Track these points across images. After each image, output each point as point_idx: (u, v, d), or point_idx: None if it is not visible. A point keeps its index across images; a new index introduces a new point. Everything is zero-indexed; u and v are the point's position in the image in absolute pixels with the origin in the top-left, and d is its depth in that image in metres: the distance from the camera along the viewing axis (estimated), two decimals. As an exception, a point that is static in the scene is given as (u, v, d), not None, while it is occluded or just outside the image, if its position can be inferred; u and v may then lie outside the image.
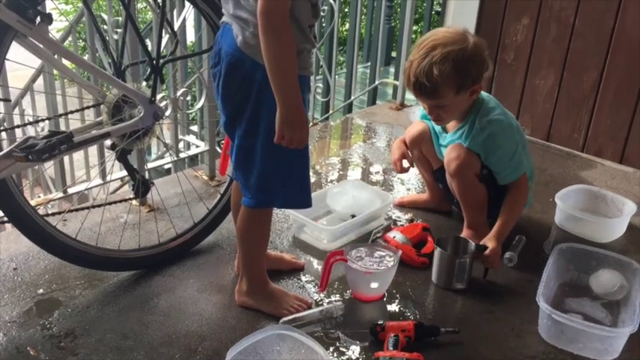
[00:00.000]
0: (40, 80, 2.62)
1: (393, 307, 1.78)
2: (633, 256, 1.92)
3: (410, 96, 3.65)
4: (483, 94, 2.00)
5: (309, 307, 1.73)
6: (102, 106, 1.78)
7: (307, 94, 1.54)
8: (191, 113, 3.01)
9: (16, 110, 2.98)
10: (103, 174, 2.34)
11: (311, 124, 3.51)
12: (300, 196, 1.62)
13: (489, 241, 1.89)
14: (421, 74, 1.81)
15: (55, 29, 3.31)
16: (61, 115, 2.27)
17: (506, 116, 1.99)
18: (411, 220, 2.21)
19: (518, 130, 2.04)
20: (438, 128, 2.09)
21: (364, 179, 2.55)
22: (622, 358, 1.62)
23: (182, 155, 2.78)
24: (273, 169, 1.56)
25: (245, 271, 1.73)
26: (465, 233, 2.03)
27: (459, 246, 1.92)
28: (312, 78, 3.62)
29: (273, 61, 1.37)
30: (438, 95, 1.85)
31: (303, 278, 1.88)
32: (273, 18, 1.35)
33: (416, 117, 2.22)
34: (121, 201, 2.18)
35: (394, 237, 2.00)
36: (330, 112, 3.66)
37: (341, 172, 2.63)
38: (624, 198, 2.26)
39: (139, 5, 4.74)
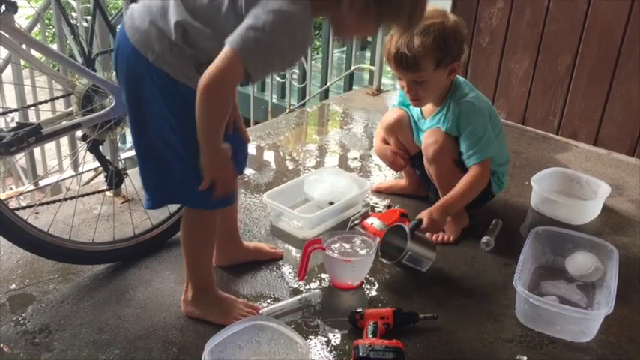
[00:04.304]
0: (9, 70, 2.56)
1: (372, 294, 1.79)
2: (607, 238, 1.95)
3: (386, 81, 3.65)
4: (460, 78, 2.00)
5: (258, 312, 1.63)
6: (72, 96, 1.74)
7: None
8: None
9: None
10: (75, 165, 2.30)
11: (287, 110, 3.49)
12: (199, 195, 1.45)
13: (426, 213, 1.87)
14: (402, 45, 1.82)
15: (25, 16, 3.22)
16: (30, 106, 2.22)
17: (479, 100, 1.99)
18: (388, 207, 2.21)
19: (492, 115, 2.03)
20: (416, 114, 2.09)
21: (342, 166, 2.54)
22: (597, 339, 1.64)
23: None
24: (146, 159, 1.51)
25: (189, 279, 1.63)
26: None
27: (398, 240, 1.84)
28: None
29: (205, 124, 1.33)
30: (418, 67, 1.85)
31: (282, 267, 1.88)
32: (215, 95, 1.30)
33: (392, 102, 2.21)
34: (94, 192, 2.14)
35: (372, 224, 2.00)
36: (307, 98, 3.64)
37: (318, 159, 2.62)
38: (598, 180, 2.28)
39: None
